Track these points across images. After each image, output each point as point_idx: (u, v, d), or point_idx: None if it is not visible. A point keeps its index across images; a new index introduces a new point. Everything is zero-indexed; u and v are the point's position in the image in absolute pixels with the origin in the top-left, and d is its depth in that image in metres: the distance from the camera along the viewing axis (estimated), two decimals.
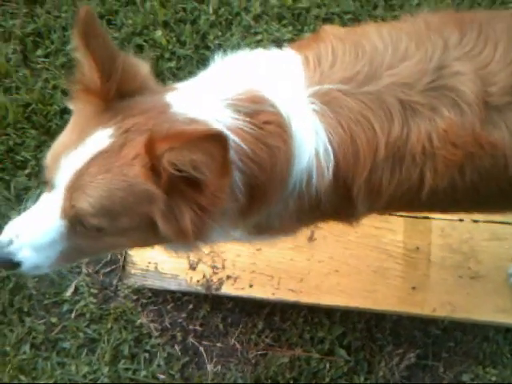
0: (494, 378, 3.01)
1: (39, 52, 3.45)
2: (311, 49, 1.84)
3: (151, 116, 1.68)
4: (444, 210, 2.26)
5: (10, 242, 1.77)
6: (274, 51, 1.93)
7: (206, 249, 2.56)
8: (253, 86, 1.75)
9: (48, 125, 3.28)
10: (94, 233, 1.72)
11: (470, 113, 1.75)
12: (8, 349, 2.94)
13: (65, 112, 3.26)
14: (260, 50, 1.97)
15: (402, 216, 2.92)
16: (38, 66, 3.41)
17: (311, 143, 1.75)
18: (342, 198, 1.87)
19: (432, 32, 1.81)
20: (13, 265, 1.80)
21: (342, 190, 1.84)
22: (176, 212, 1.66)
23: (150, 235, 1.77)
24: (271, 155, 1.73)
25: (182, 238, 1.71)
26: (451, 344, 3.08)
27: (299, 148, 1.76)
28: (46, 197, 1.75)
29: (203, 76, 1.89)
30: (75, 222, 1.69)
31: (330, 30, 1.92)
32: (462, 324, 3.03)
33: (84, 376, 2.94)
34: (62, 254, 1.80)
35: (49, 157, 1.73)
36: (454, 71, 1.76)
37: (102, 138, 1.65)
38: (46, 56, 3.44)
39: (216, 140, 1.47)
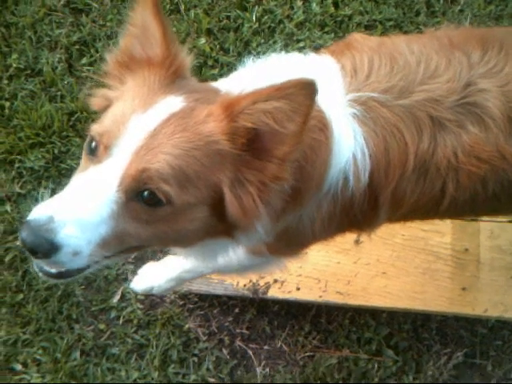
0: None
1: (84, 60, 3.37)
2: (346, 57, 1.85)
3: (211, 94, 1.65)
4: (458, 217, 2.30)
5: (51, 220, 1.49)
6: (311, 55, 1.90)
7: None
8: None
9: None
10: (150, 212, 1.55)
11: (495, 127, 1.77)
12: (59, 356, 2.87)
13: None
14: (296, 54, 1.94)
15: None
16: (83, 75, 3.33)
17: (350, 145, 1.74)
18: (368, 206, 1.85)
19: (456, 49, 1.85)
20: (50, 248, 1.50)
21: (370, 198, 1.82)
22: (241, 186, 1.58)
23: (210, 218, 1.63)
24: (313, 147, 1.70)
25: (242, 220, 1.61)
26: (499, 343, 2.99)
27: (338, 147, 1.74)
28: (94, 168, 1.56)
29: (238, 75, 1.87)
30: (136, 193, 1.52)
31: (361, 39, 1.92)
32: (509, 323, 2.94)
33: (134, 381, 2.87)
34: (102, 241, 1.55)
35: (106, 123, 1.58)
36: (480, 88, 1.78)
37: (173, 102, 1.57)
38: (91, 64, 3.36)
39: (306, 88, 1.44)
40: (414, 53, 1.83)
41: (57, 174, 3.12)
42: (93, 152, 1.59)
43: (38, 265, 1.68)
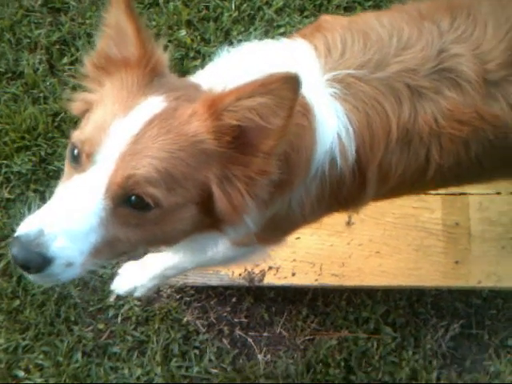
0: None
1: (65, 60, 3.29)
2: (318, 38, 1.83)
3: (191, 91, 1.62)
4: (443, 186, 2.27)
5: (40, 233, 1.45)
6: (283, 40, 1.88)
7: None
8: (270, 71, 1.60)
9: None
10: (138, 216, 1.52)
11: (471, 90, 1.78)
12: (60, 359, 2.82)
13: None
14: (269, 40, 1.91)
15: (438, 194, 2.81)
16: (65, 74, 3.26)
17: (333, 125, 1.73)
18: (357, 184, 1.84)
19: (425, 19, 1.84)
20: (43, 262, 1.46)
21: (358, 175, 1.82)
22: (229, 182, 1.55)
23: (198, 215, 1.61)
24: (297, 133, 1.67)
25: (232, 215, 1.59)
26: (493, 312, 2.98)
27: (322, 128, 1.73)
28: (79, 177, 1.52)
29: (214, 67, 1.85)
30: (123, 199, 1.49)
31: (331, 20, 1.92)
32: (503, 292, 2.94)
33: (138, 378, 2.83)
34: (94, 249, 1.52)
35: (87, 131, 1.53)
36: (453, 54, 1.79)
37: (154, 103, 1.53)
38: (72, 63, 3.28)
39: (289, 82, 1.41)
40: (384, 26, 1.83)
41: (45, 177, 3.06)
42: (76, 160, 1.55)
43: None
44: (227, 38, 3.32)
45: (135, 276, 2.66)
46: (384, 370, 2.85)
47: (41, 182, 3.04)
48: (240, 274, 2.84)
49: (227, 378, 2.82)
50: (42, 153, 3.08)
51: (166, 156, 1.49)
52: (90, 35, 3.29)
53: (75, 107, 1.72)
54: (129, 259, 2.71)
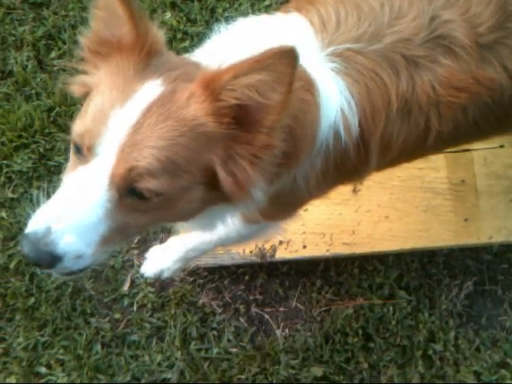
0: None
1: (53, 54, 3.20)
2: (312, 12, 1.80)
3: (191, 68, 1.56)
4: (441, 150, 2.27)
5: (48, 231, 1.44)
6: (279, 15, 1.84)
7: None
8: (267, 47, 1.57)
9: None
10: (145, 202, 1.49)
11: (465, 55, 1.76)
12: (81, 352, 2.77)
13: None
14: (264, 15, 1.87)
15: (442, 153, 2.73)
16: (55, 69, 3.17)
17: (336, 99, 1.71)
18: (359, 155, 1.82)
19: None
20: (53, 259, 1.46)
21: (362, 147, 1.80)
22: (233, 161, 1.51)
23: (207, 194, 1.57)
24: (302, 108, 1.65)
25: (238, 193, 1.55)
26: (505, 266, 2.94)
27: (326, 103, 1.70)
28: (82, 169, 1.48)
29: (211, 44, 1.80)
30: (127, 190, 1.46)
31: None
32: None
33: (159, 364, 2.78)
34: (103, 238, 1.50)
35: (86, 122, 1.49)
36: (444, 20, 1.76)
37: (152, 88, 1.47)
38: (61, 57, 3.19)
39: (286, 57, 1.36)
40: None
41: (46, 173, 2.99)
42: (79, 151, 1.51)
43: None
44: (213, 16, 3.24)
45: (161, 259, 2.66)
46: (402, 334, 2.81)
47: (43, 178, 2.97)
48: (251, 252, 2.80)
49: (247, 356, 2.78)
50: (41, 149, 3.01)
51: (166, 144, 1.44)
52: (74, 27, 3.22)
53: (75, 90, 1.67)
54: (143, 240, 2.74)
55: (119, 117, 1.44)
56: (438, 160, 2.75)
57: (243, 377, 2.74)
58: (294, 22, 1.78)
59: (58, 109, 3.05)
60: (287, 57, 1.36)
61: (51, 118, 3.06)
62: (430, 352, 2.78)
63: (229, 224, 2.03)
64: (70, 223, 1.44)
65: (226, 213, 1.83)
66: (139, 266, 2.87)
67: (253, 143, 1.49)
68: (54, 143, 3.02)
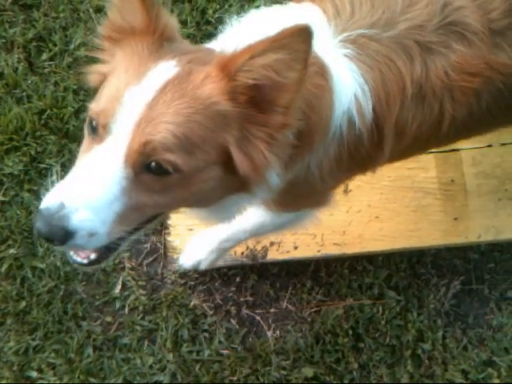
0: None
1: (44, 56, 3.09)
2: (324, 1, 1.76)
3: (205, 54, 1.55)
4: (454, 140, 2.18)
5: (61, 207, 1.41)
6: (291, 5, 1.82)
7: None
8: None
9: (66, 127, 2.96)
10: (161, 180, 1.45)
11: (478, 41, 1.74)
12: (72, 355, 2.68)
13: (79, 111, 2.98)
14: (277, 6, 1.83)
15: (431, 153, 2.70)
16: (46, 71, 3.07)
17: (350, 85, 1.67)
18: (373, 142, 1.77)
19: None
20: (65, 234, 1.42)
21: (377, 133, 1.75)
22: (249, 142, 1.48)
23: (224, 176, 1.53)
24: (316, 94, 1.61)
25: (254, 176, 1.51)
26: (491, 265, 2.89)
27: (339, 88, 1.67)
28: (97, 148, 1.45)
29: (227, 35, 1.76)
30: (143, 166, 1.43)
31: None
32: (499, 244, 2.85)
33: (151, 367, 2.70)
34: (118, 217, 1.46)
35: (101, 102, 1.47)
36: (456, 6, 1.74)
37: (167, 68, 1.45)
38: (52, 59, 3.09)
39: (301, 34, 1.34)
40: None
41: (38, 176, 2.89)
42: (94, 131, 1.48)
43: (70, 257, 1.64)
44: (203, 18, 3.16)
45: (198, 250, 2.66)
46: (391, 333, 2.75)
47: (34, 181, 2.88)
48: (242, 253, 2.73)
49: (239, 357, 2.70)
50: (32, 152, 2.91)
51: (182, 120, 1.41)
52: (65, 28, 3.14)
53: (92, 79, 1.64)
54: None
55: (134, 94, 1.42)
56: (427, 160, 2.71)
57: (235, 378, 2.68)
58: (306, 10, 1.75)
59: (49, 111, 2.96)
60: (302, 34, 1.34)
61: (42, 121, 2.96)
62: (419, 351, 2.73)
63: (262, 213, 2.12)
64: (84, 200, 1.41)
65: (243, 203, 1.80)
66: (130, 269, 2.80)
67: (268, 124, 1.47)
68: (46, 146, 2.93)
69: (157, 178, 1.45)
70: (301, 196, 1.96)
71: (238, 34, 1.70)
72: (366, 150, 1.77)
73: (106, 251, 1.61)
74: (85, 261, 1.64)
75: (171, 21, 1.58)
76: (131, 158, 1.41)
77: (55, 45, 3.10)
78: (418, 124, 1.78)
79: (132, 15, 1.53)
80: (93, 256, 1.63)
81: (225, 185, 1.56)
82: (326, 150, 1.73)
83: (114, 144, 1.42)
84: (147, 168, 1.43)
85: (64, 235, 1.42)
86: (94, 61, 1.64)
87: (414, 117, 1.76)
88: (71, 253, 1.65)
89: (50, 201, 1.43)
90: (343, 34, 1.69)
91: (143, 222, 1.58)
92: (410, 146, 1.88)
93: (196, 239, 2.69)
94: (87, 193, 1.41)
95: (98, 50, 1.63)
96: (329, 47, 1.67)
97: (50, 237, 1.43)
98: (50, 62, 3.07)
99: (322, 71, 1.64)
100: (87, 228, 1.42)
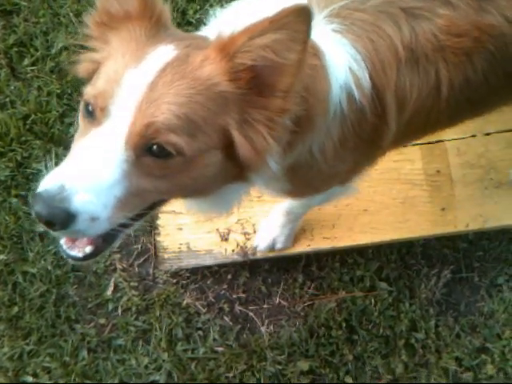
0: None
1: (26, 61, 3.07)
2: None
3: (200, 40, 1.54)
4: (459, 117, 2.09)
5: (62, 188, 1.35)
6: None
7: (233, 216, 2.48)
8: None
9: (51, 132, 2.94)
10: (162, 164, 1.42)
11: (463, 5, 1.72)
12: (67, 359, 2.66)
13: (64, 116, 2.96)
14: None
15: (417, 144, 2.70)
16: (28, 76, 3.05)
17: (343, 58, 1.64)
18: (376, 114, 1.73)
19: None
20: (66, 217, 1.35)
21: (377, 103, 1.71)
22: (250, 126, 1.45)
23: (223, 162, 1.50)
24: (311, 74, 1.57)
25: (255, 160, 1.48)
26: (480, 253, 2.89)
27: (333, 65, 1.63)
28: (96, 131, 1.41)
29: (214, 25, 1.72)
30: (145, 149, 1.39)
31: None
32: (487, 232, 2.85)
33: (146, 367, 2.68)
34: (119, 202, 1.41)
35: (99, 84, 1.43)
36: None
37: (166, 51, 1.43)
38: (34, 64, 3.07)
39: (301, 15, 1.32)
40: None
41: (25, 181, 2.87)
42: (91, 115, 1.44)
43: (64, 251, 1.57)
44: (184, 19, 3.14)
45: (270, 229, 2.64)
46: (384, 324, 2.75)
47: (21, 186, 2.86)
48: (233, 250, 2.72)
49: (234, 354, 2.69)
50: (18, 157, 2.89)
51: (184, 101, 1.38)
52: (46, 33, 3.11)
53: (82, 69, 1.60)
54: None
55: (134, 76, 1.39)
56: (413, 152, 2.71)
57: (230, 375, 2.66)
58: None
59: (33, 116, 2.94)
60: (301, 14, 1.32)
61: (27, 126, 2.94)
62: (413, 341, 2.73)
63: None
64: (86, 182, 1.36)
65: (241, 193, 1.77)
66: (122, 270, 2.78)
67: (268, 108, 1.44)
68: (31, 151, 2.90)
69: (158, 162, 1.41)
70: (311, 181, 1.92)
71: (225, 21, 1.67)
72: (370, 124, 1.74)
73: (102, 243, 1.57)
74: (80, 254, 1.58)
75: (166, 8, 1.55)
76: (132, 140, 1.37)
77: (37, 50, 3.07)
78: (417, 91, 1.75)
79: (127, 1, 1.50)
80: (88, 249, 1.57)
81: (224, 172, 1.53)
82: (329, 131, 1.70)
83: (114, 126, 1.38)
84: (149, 151, 1.39)
85: (66, 218, 1.36)
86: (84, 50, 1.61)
87: (412, 83, 1.73)
88: (65, 247, 1.58)
89: (49, 183, 1.37)
90: (326, 9, 1.65)
91: (142, 210, 1.54)
92: (413, 121, 1.84)
93: (265, 220, 2.68)
94: (88, 175, 1.36)
95: (89, 38, 1.58)
96: (315, 25, 1.60)
97: (51, 220, 1.37)
98: (33, 67, 3.05)
99: (314, 51, 1.60)
100: (89, 211, 1.37)
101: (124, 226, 1.50)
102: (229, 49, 1.40)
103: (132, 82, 1.38)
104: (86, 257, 1.58)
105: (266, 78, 1.41)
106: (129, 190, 1.41)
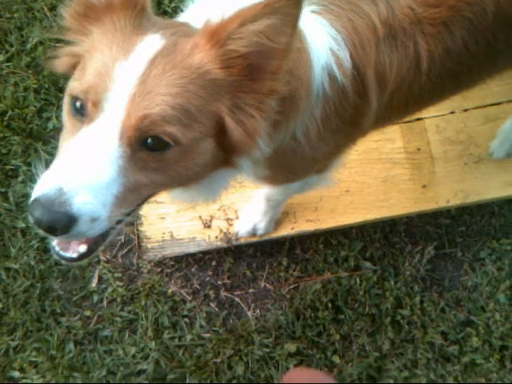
0: (509, 247, 2.84)
1: (1, 57, 3.01)
2: None
3: (184, 27, 1.51)
4: (442, 93, 2.05)
5: (60, 192, 1.30)
6: None
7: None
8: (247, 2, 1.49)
9: (29, 127, 2.90)
10: (158, 156, 1.39)
11: None
12: (54, 352, 2.64)
13: (42, 110, 2.92)
14: None
15: (397, 123, 2.68)
16: (4, 72, 2.99)
17: (323, 39, 1.62)
18: (358, 93, 1.71)
19: None
20: (68, 221, 1.31)
21: (358, 81, 1.69)
22: (241, 111, 1.43)
23: (216, 149, 1.48)
24: (294, 58, 1.54)
25: (247, 143, 1.47)
26: (463, 228, 2.89)
27: (314, 46, 1.62)
28: (88, 128, 1.36)
29: (192, 10, 1.69)
30: (140, 143, 1.36)
31: None
32: (468, 208, 2.86)
33: (133, 356, 2.67)
34: (117, 199, 1.38)
35: (88, 79, 1.38)
36: None
37: (153, 41, 1.39)
38: (9, 60, 3.01)
39: None
40: None
41: (4, 177, 2.82)
42: (80, 112, 1.39)
43: (57, 253, 1.53)
44: (160, 9, 3.09)
45: (251, 215, 2.62)
46: (370, 303, 2.75)
47: (1, 183, 2.81)
48: (216, 237, 2.70)
49: (221, 339, 2.68)
50: None
51: (177, 91, 1.35)
52: (21, 28, 3.05)
53: (61, 63, 1.54)
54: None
55: (125, 69, 1.35)
56: (393, 131, 2.70)
57: (218, 360, 2.65)
58: None
59: (10, 112, 2.90)
60: None
61: (5, 122, 2.89)
62: (398, 317, 2.73)
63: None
64: (83, 183, 1.31)
65: (228, 179, 1.75)
66: (105, 262, 2.76)
67: (259, 91, 1.42)
68: (10, 147, 2.86)
69: (154, 155, 1.38)
70: (291, 167, 1.91)
71: (202, 9, 1.64)
72: (352, 104, 1.72)
73: (95, 241, 1.52)
74: (74, 255, 1.52)
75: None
76: (127, 134, 1.34)
77: (12, 45, 3.02)
78: (397, 66, 1.73)
79: None
80: (82, 249, 1.52)
81: (215, 158, 1.51)
82: (312, 112, 1.68)
83: (108, 121, 1.34)
84: (144, 145, 1.36)
85: (67, 222, 1.31)
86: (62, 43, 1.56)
87: (391, 59, 1.71)
88: (57, 248, 1.54)
89: (46, 187, 1.32)
90: None
91: (139, 203, 1.51)
92: (395, 98, 1.82)
93: (247, 206, 2.66)
94: (85, 175, 1.32)
95: (67, 31, 1.52)
96: None
97: (53, 225, 1.32)
98: (8, 63, 3.00)
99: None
100: (90, 212, 1.33)
101: (117, 222, 1.47)
102: (219, 35, 1.37)
103: (124, 75, 1.34)
104: (81, 256, 1.53)
105: (256, 62, 1.39)
106: (126, 187, 1.37)
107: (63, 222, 1.31)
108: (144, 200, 1.54)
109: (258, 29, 1.34)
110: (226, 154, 1.52)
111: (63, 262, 1.56)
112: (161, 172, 1.44)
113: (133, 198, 1.44)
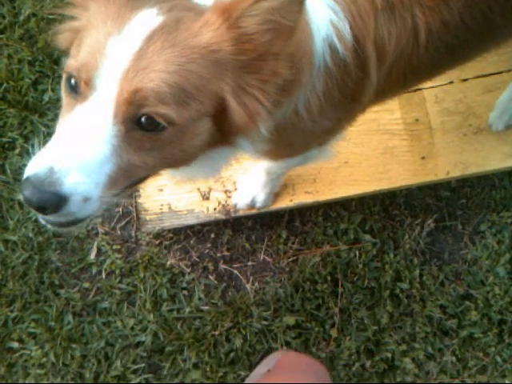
0: (509, 220, 2.82)
1: None
2: None
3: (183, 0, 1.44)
4: (440, 66, 2.02)
5: (51, 171, 1.28)
6: None
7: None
8: None
9: (24, 100, 2.87)
10: (152, 136, 1.34)
11: None
12: (52, 324, 2.64)
13: (37, 83, 2.88)
14: None
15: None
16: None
17: (323, 11, 1.57)
18: (359, 66, 1.67)
19: None
20: (59, 200, 1.28)
21: (359, 53, 1.66)
22: (245, 92, 1.38)
23: (213, 129, 1.43)
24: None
25: (249, 124, 1.43)
26: (463, 201, 2.86)
27: (314, 18, 1.57)
28: (81, 106, 1.33)
29: None
30: (134, 121, 1.31)
31: None
32: (469, 180, 2.83)
33: (132, 328, 2.67)
34: (110, 179, 1.34)
35: (81, 56, 1.33)
36: None
37: (150, 15, 1.33)
38: (2, 32, 2.97)
39: None
40: None
41: (1, 150, 2.80)
42: (74, 90, 1.35)
43: (44, 218, 1.44)
44: None
45: (251, 187, 2.57)
46: (369, 276, 2.73)
47: None
48: (215, 209, 2.67)
49: (219, 312, 2.67)
50: None
51: (175, 69, 1.29)
52: (12, 0, 2.99)
53: (63, 39, 1.49)
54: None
55: (118, 44, 1.30)
56: (391, 102, 2.59)
57: (217, 333, 2.65)
58: None
59: (5, 85, 2.86)
60: None
61: (0, 95, 2.86)
62: (397, 291, 2.72)
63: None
64: (75, 162, 1.29)
65: (229, 156, 1.70)
66: (104, 234, 2.74)
67: (263, 71, 1.38)
68: (6, 119, 2.83)
69: (148, 135, 1.34)
70: (293, 142, 1.87)
71: None
72: (352, 77, 1.68)
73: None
74: (62, 219, 1.46)
75: None
76: (120, 111, 1.29)
77: (4, 17, 2.97)
78: (396, 39, 1.69)
79: None
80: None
81: (212, 139, 1.47)
82: (314, 86, 1.64)
83: (101, 99, 1.30)
84: (138, 124, 1.32)
85: (58, 201, 1.29)
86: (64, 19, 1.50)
87: (390, 31, 1.67)
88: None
89: (37, 166, 1.30)
90: None
91: (129, 185, 1.47)
92: (393, 71, 1.79)
93: (246, 178, 2.62)
94: (77, 154, 1.29)
95: (69, 6, 1.47)
96: None
97: (43, 205, 1.30)
98: (1, 36, 2.95)
99: None
100: (81, 192, 1.30)
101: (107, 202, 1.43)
102: (232, 13, 1.31)
103: (116, 50, 1.29)
104: (69, 223, 1.46)
105: (264, 41, 1.34)
106: (119, 167, 1.34)
107: (53, 202, 1.29)
108: (136, 182, 1.50)
109: (271, 5, 1.29)
110: (223, 135, 1.48)
111: (49, 226, 1.50)
112: (155, 153, 1.39)
113: (125, 179, 1.41)
